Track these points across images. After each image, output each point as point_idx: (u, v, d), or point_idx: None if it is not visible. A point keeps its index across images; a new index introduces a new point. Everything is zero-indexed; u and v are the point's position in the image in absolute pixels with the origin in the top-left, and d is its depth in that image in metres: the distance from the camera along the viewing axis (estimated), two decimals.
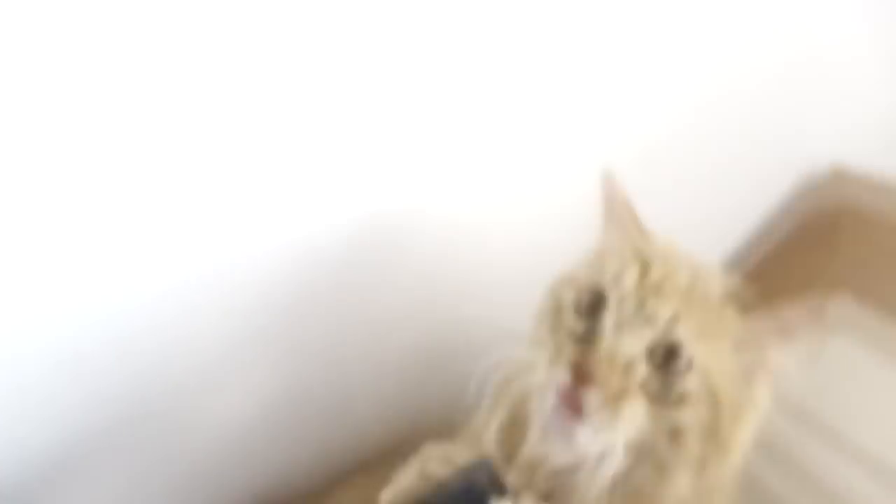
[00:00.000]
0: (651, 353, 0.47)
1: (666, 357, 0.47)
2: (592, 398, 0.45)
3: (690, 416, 0.47)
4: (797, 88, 0.87)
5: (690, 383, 0.47)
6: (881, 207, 0.88)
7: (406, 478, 0.46)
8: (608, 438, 0.45)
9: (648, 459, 0.47)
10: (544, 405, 0.47)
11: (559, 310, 0.52)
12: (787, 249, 0.96)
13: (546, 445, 0.48)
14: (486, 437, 0.53)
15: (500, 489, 0.44)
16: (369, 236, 0.66)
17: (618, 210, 0.56)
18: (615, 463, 0.46)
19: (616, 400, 0.45)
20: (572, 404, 0.45)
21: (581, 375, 0.45)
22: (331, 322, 0.69)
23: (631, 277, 0.49)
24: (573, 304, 0.51)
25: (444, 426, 0.59)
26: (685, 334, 0.48)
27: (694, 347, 0.47)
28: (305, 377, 0.71)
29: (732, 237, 0.96)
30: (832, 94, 0.88)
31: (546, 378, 0.48)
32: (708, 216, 0.85)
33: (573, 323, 0.50)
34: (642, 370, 0.47)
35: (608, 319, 0.48)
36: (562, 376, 0.46)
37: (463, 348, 0.61)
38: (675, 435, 0.46)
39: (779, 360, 0.50)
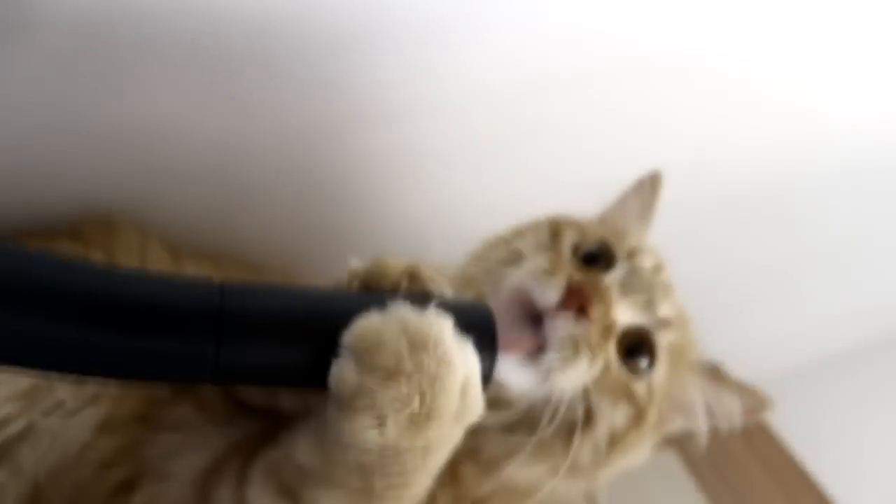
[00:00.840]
0: (626, 334, 0.48)
1: (632, 350, 0.49)
2: (585, 320, 0.45)
3: (618, 413, 0.48)
4: None
5: (639, 388, 0.48)
6: None
7: (394, 262, 0.43)
8: (566, 373, 0.45)
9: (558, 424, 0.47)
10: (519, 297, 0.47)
11: (556, 237, 0.53)
12: None
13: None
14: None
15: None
16: None
17: (653, 209, 0.58)
18: (561, 399, 0.45)
19: (589, 342, 0.45)
20: (578, 302, 0.45)
21: (582, 296, 0.45)
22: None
23: (649, 261, 0.51)
24: (572, 244, 0.52)
25: None
26: (663, 344, 0.49)
27: (661, 362, 0.49)
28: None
29: None
30: None
31: (534, 280, 0.47)
32: None
33: (569, 258, 0.51)
34: (620, 331, 0.48)
35: (614, 275, 0.49)
36: (561, 283, 0.46)
37: None
38: (589, 416, 0.47)
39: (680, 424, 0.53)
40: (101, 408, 0.53)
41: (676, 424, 0.53)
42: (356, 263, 0.43)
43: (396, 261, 0.43)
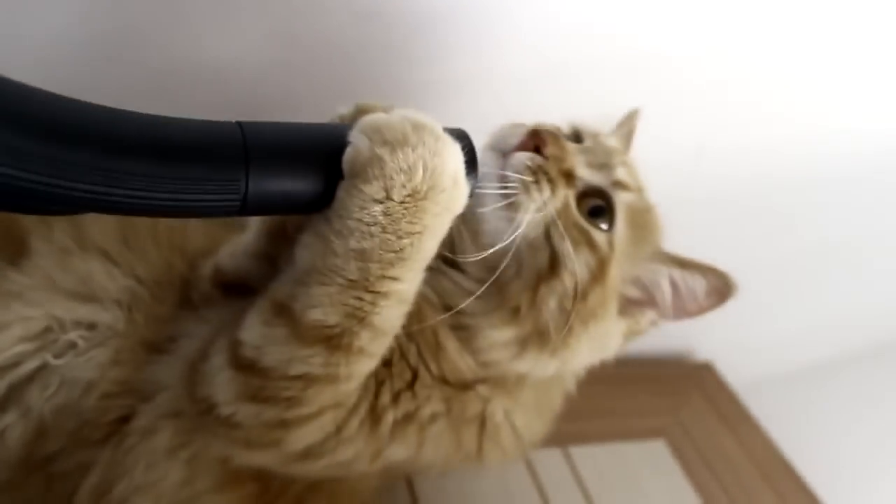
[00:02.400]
0: (585, 193, 0.52)
1: (594, 212, 0.52)
2: (540, 155, 0.50)
3: (581, 260, 0.50)
4: None
5: (599, 237, 0.51)
6: None
7: (377, 103, 0.47)
8: (528, 197, 0.49)
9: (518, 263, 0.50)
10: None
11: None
12: None
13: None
14: None
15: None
16: None
17: (630, 133, 0.64)
18: (516, 228, 0.49)
19: (547, 173, 0.50)
20: (534, 142, 0.50)
21: (538, 135, 0.51)
22: None
23: (612, 141, 0.58)
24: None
25: None
26: (621, 205, 0.53)
27: (620, 222, 0.53)
28: None
29: None
30: None
31: (502, 133, 0.53)
32: None
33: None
34: (580, 184, 0.52)
35: (577, 145, 0.55)
36: (523, 131, 0.51)
37: None
38: (554, 260, 0.50)
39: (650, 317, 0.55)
40: (109, 349, 0.54)
41: (647, 317, 0.55)
42: (342, 109, 0.48)
43: (379, 102, 0.47)
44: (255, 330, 0.46)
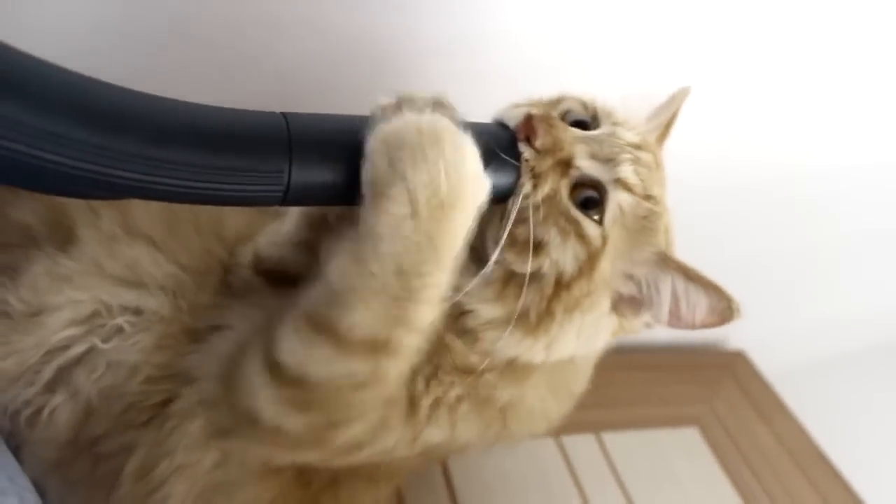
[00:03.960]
0: (582, 182, 0.50)
1: (586, 202, 0.50)
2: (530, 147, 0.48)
3: (568, 250, 0.49)
4: None
5: (591, 229, 0.50)
6: None
7: (420, 93, 0.46)
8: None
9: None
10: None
11: (557, 102, 0.56)
12: None
13: None
14: None
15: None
16: None
17: (672, 117, 0.61)
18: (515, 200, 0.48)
19: (535, 165, 0.48)
20: (525, 131, 0.49)
21: (530, 123, 0.49)
22: None
23: (632, 135, 0.53)
24: (566, 109, 0.55)
25: None
26: (615, 201, 0.51)
27: (610, 219, 0.51)
28: None
29: None
30: None
31: (501, 114, 0.52)
32: None
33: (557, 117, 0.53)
34: (576, 174, 0.50)
35: (586, 132, 0.52)
36: (520, 114, 0.50)
37: None
38: (537, 247, 0.49)
39: (645, 319, 0.54)
40: (154, 334, 0.55)
41: (641, 319, 0.54)
42: (384, 99, 0.47)
43: (422, 92, 0.47)
44: (296, 351, 0.46)
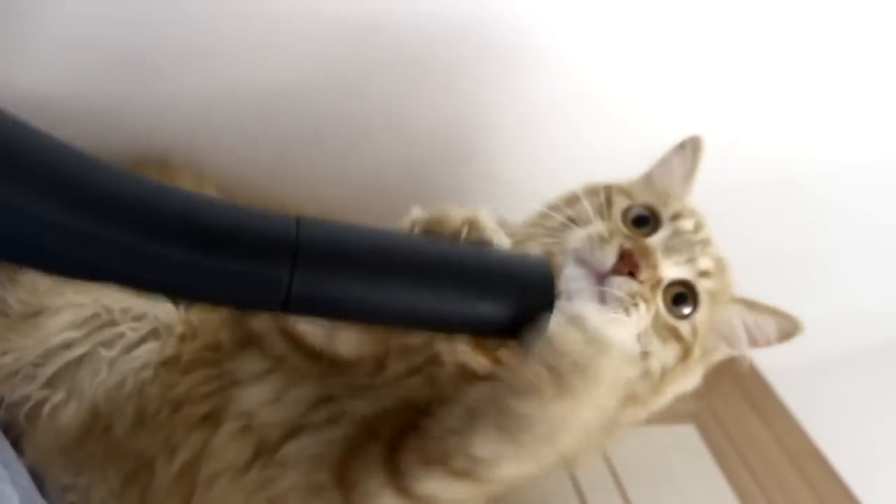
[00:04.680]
0: (671, 285, 0.56)
1: (677, 298, 0.56)
2: (635, 280, 0.53)
3: (668, 351, 0.56)
4: None
5: (684, 328, 0.56)
6: None
7: (455, 211, 0.46)
8: (625, 324, 0.53)
9: None
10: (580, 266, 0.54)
11: (609, 204, 0.59)
12: None
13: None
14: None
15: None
16: None
17: (695, 172, 0.65)
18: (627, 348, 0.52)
19: (643, 296, 0.53)
20: (628, 267, 0.53)
21: (632, 258, 0.53)
22: None
23: (690, 222, 0.59)
24: (623, 209, 0.59)
25: None
26: (703, 291, 0.57)
27: (702, 305, 0.57)
28: None
29: None
30: None
31: (591, 246, 0.54)
32: None
33: (619, 222, 0.58)
34: (667, 284, 0.56)
35: (658, 237, 0.57)
36: (615, 250, 0.53)
37: None
38: (644, 355, 0.55)
39: (725, 351, 0.61)
40: (162, 345, 0.56)
41: (721, 352, 0.61)
42: (418, 212, 0.46)
43: (457, 210, 0.46)
44: (432, 488, 0.47)
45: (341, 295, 0.37)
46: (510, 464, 0.43)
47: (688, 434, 1.11)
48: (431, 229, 0.45)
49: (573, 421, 0.41)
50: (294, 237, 0.36)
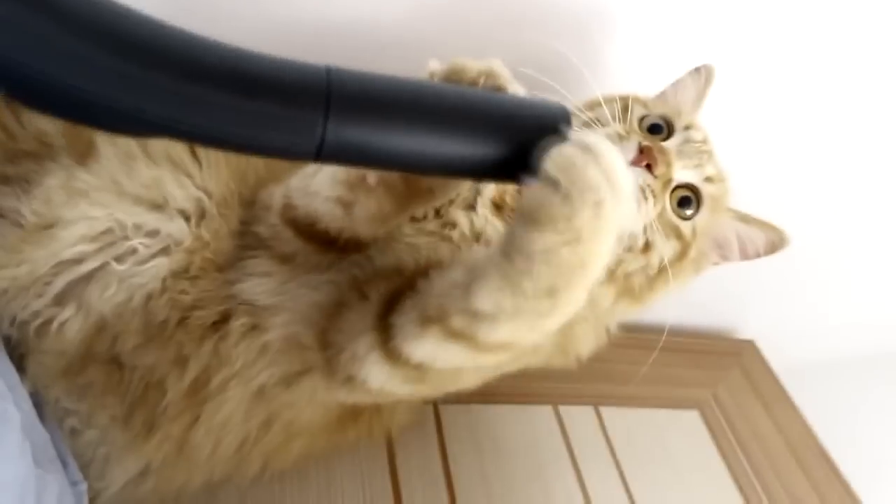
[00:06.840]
0: (678, 188, 0.61)
1: (682, 201, 0.61)
2: (650, 174, 0.57)
3: (669, 246, 0.60)
4: None
5: (686, 228, 0.61)
6: None
7: (472, 62, 0.46)
8: (638, 211, 0.57)
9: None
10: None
11: (625, 110, 0.63)
12: None
13: None
14: None
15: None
16: None
17: (704, 96, 0.69)
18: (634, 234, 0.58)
19: (654, 190, 0.58)
20: (646, 159, 0.57)
21: (651, 153, 0.58)
22: None
23: (699, 133, 0.64)
24: (639, 116, 0.63)
25: None
26: (707, 195, 0.62)
27: (705, 211, 0.62)
28: None
29: None
30: None
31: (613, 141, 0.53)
32: None
33: (636, 127, 0.62)
34: (675, 183, 0.60)
35: (672, 142, 0.62)
36: (635, 145, 0.58)
37: None
38: (647, 247, 0.59)
39: (715, 259, 0.66)
40: (172, 259, 0.55)
41: (713, 258, 0.66)
42: (435, 64, 0.47)
43: (474, 61, 0.46)
44: (426, 350, 0.47)
45: (372, 138, 0.38)
46: (509, 322, 0.42)
47: (691, 419, 1.10)
48: (449, 80, 0.46)
49: (574, 261, 0.39)
50: (325, 84, 0.37)
